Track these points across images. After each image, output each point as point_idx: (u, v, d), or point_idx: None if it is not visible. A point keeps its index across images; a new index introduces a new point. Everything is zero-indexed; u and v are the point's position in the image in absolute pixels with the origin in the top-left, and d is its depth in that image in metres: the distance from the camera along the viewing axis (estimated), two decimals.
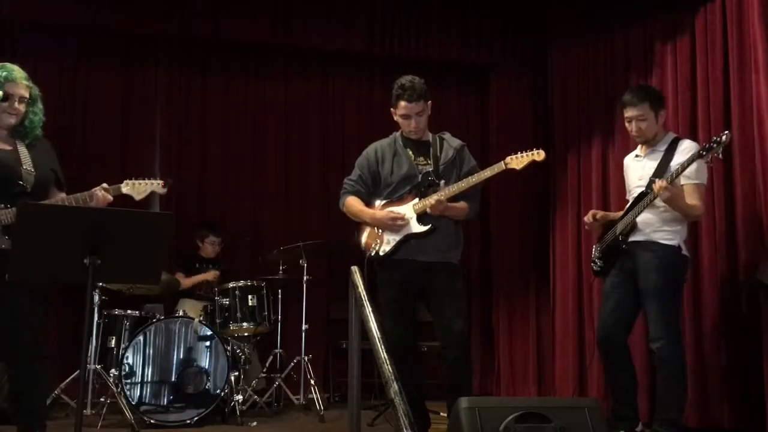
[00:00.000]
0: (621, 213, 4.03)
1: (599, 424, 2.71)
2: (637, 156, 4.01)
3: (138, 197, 3.44)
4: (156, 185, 3.46)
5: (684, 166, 3.59)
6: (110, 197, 3.31)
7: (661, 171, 3.77)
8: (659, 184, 3.58)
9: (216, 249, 5.58)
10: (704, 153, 3.53)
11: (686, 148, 3.79)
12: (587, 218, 4.09)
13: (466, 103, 6.53)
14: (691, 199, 3.73)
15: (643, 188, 3.81)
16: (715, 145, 3.49)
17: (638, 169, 3.94)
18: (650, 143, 3.91)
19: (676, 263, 3.81)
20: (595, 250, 4.11)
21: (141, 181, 3.43)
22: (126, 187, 3.39)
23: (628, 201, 4.07)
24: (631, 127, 3.89)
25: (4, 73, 3.23)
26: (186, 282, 5.32)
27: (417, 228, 3.75)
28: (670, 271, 3.77)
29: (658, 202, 3.70)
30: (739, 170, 4.21)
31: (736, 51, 4.25)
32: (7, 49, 5.33)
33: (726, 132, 3.52)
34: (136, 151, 5.74)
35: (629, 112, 3.87)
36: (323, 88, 6.29)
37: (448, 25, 5.99)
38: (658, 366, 3.77)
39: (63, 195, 3.33)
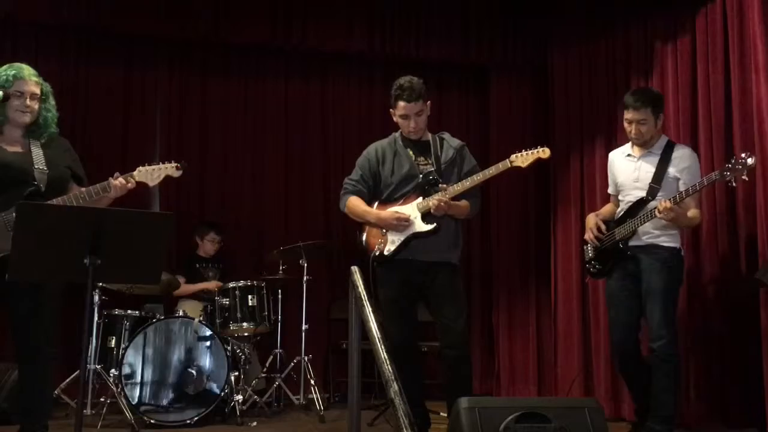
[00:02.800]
0: (611, 207, 4.09)
1: (599, 424, 2.72)
2: (629, 155, 4.04)
3: (152, 183, 3.36)
4: (170, 168, 3.38)
5: (703, 185, 3.65)
6: (131, 184, 3.26)
7: (659, 176, 3.84)
8: (664, 205, 3.63)
9: (215, 247, 5.57)
10: (727, 174, 3.54)
11: (683, 155, 3.87)
12: (592, 234, 4.08)
13: (466, 103, 6.52)
14: (693, 208, 3.81)
15: (644, 193, 3.86)
16: (740, 167, 3.50)
17: (633, 171, 3.98)
18: (645, 145, 3.95)
19: (678, 265, 3.91)
20: (588, 251, 4.14)
21: (154, 167, 3.36)
22: (139, 174, 3.33)
23: (609, 195, 4.18)
24: (631, 129, 3.92)
25: (13, 72, 3.23)
26: (187, 288, 5.31)
27: (422, 227, 3.74)
28: (673, 273, 3.86)
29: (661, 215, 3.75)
30: None
31: (737, 51, 4.25)
32: (7, 49, 5.32)
33: (751, 156, 3.52)
34: (136, 151, 5.73)
35: (631, 115, 3.89)
36: (323, 88, 6.28)
37: (448, 25, 5.98)
38: (656, 365, 3.82)
39: (83, 189, 3.28)
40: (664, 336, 3.76)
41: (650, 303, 3.83)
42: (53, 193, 3.19)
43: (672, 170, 3.84)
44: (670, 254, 3.85)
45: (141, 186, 3.37)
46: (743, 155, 3.53)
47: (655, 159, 3.89)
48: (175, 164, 3.39)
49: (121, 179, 3.25)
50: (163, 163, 3.39)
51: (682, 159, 3.85)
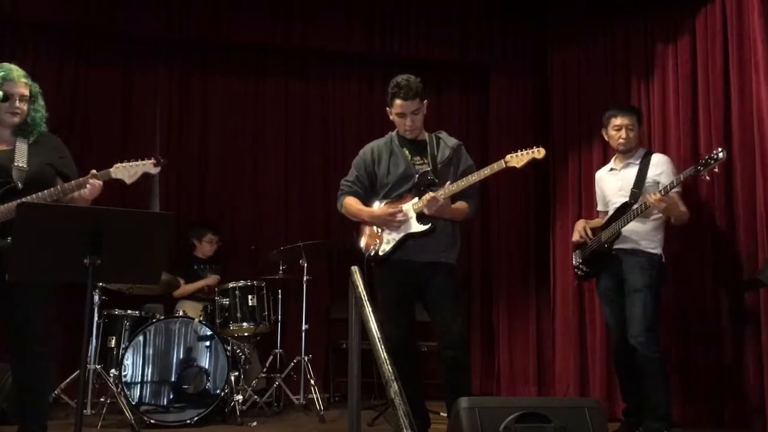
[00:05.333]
0: (600, 221, 4.28)
1: (599, 424, 2.71)
2: (612, 169, 4.30)
3: (129, 180, 3.31)
4: (147, 165, 3.32)
5: (680, 181, 3.87)
6: (99, 182, 3.21)
7: (639, 182, 4.07)
8: (655, 197, 3.82)
9: (213, 247, 5.57)
10: (701, 168, 3.76)
11: (659, 161, 4.13)
12: (579, 236, 4.28)
13: (466, 103, 6.52)
14: (681, 206, 4.02)
15: (626, 198, 4.07)
16: (712, 162, 3.73)
17: (616, 181, 4.23)
18: (626, 156, 4.21)
19: (659, 270, 4.07)
20: (576, 256, 4.32)
21: (131, 163, 3.30)
22: (116, 171, 3.29)
23: (599, 212, 4.41)
24: (620, 135, 4.18)
25: (2, 73, 3.23)
26: (187, 288, 5.31)
27: (417, 227, 3.74)
28: (654, 274, 4.02)
29: (652, 212, 3.97)
30: (740, 170, 4.22)
31: (736, 51, 4.26)
32: (7, 49, 5.32)
33: (722, 150, 3.74)
34: (136, 151, 5.63)
35: (620, 120, 4.18)
36: (323, 88, 6.28)
37: (448, 25, 5.98)
38: (642, 364, 3.94)
39: (58, 186, 3.24)
40: (642, 333, 3.91)
41: (630, 301, 4.01)
42: (32, 191, 3.15)
43: (650, 175, 4.07)
44: (651, 259, 4.04)
45: (133, 189, 3.33)
46: (715, 151, 3.75)
47: (635, 168, 4.14)
48: (152, 161, 3.34)
49: (94, 180, 3.20)
50: (141, 159, 3.34)
51: (658, 165, 4.10)
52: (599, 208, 4.41)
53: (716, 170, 3.79)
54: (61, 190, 3.20)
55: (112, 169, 3.30)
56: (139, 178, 3.35)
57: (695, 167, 3.78)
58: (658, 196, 3.81)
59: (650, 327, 3.93)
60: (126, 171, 3.31)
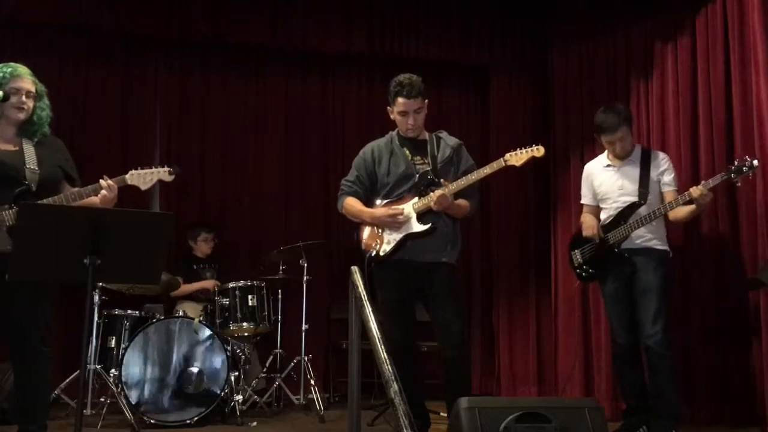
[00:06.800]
0: (590, 221, 4.16)
1: (599, 424, 2.72)
2: (609, 165, 4.17)
3: (144, 187, 3.35)
4: (162, 173, 3.37)
5: (709, 186, 3.70)
6: (115, 186, 3.24)
7: (645, 181, 4.00)
8: (701, 191, 3.69)
9: (210, 245, 5.57)
10: (734, 175, 3.67)
11: (661, 159, 4.06)
12: (593, 232, 4.12)
13: (466, 103, 6.52)
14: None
15: (632, 198, 3.98)
16: (745, 169, 3.65)
17: (617, 179, 4.11)
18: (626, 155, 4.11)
19: (670, 267, 4.04)
20: (577, 256, 4.20)
21: (146, 171, 3.34)
22: (131, 178, 3.32)
23: (584, 205, 4.28)
24: (615, 149, 4.07)
25: (9, 69, 3.25)
26: (185, 289, 5.31)
27: (417, 227, 3.74)
28: (666, 273, 3.98)
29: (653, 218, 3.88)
30: None
31: (737, 51, 4.26)
32: (7, 49, 5.32)
33: (756, 159, 3.66)
34: (136, 152, 5.74)
35: (610, 138, 4.04)
36: (323, 88, 6.29)
37: (448, 25, 5.99)
38: (655, 362, 3.90)
39: (74, 189, 3.28)
40: (659, 332, 3.87)
41: (645, 300, 3.93)
42: (45, 193, 3.18)
43: (653, 174, 4.01)
44: (663, 256, 4.00)
45: (132, 190, 3.35)
46: (747, 158, 3.66)
47: (636, 166, 4.06)
48: (168, 169, 3.39)
49: (109, 182, 3.22)
50: (157, 167, 3.39)
51: (661, 163, 4.04)
52: (586, 201, 4.28)
53: (750, 177, 3.73)
54: (77, 194, 3.21)
55: (127, 176, 3.32)
56: (154, 185, 3.38)
57: (727, 173, 3.68)
58: (705, 189, 3.68)
59: (666, 326, 3.88)
60: (141, 178, 3.34)
